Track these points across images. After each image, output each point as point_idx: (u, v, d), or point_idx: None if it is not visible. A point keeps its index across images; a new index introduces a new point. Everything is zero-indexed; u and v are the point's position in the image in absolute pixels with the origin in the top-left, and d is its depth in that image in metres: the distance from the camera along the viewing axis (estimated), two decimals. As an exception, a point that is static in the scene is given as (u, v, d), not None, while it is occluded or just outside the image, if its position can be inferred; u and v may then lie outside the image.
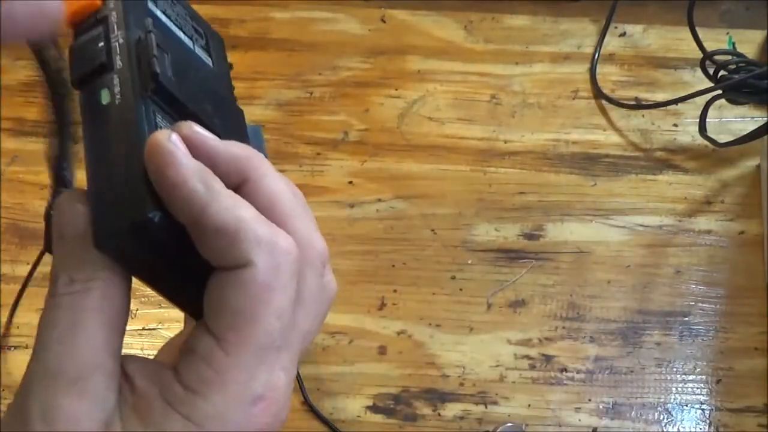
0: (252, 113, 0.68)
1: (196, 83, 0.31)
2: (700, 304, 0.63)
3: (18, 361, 0.61)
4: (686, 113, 0.69)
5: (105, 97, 0.28)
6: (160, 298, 0.65)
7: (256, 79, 0.69)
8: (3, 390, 0.60)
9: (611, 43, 0.72)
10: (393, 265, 0.64)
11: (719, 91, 0.64)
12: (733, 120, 0.69)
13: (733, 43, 0.68)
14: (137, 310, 0.62)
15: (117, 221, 0.26)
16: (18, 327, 0.62)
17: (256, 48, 0.72)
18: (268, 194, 0.27)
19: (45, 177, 0.66)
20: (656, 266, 0.64)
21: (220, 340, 0.25)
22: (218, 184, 0.26)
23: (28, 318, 0.62)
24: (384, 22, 0.73)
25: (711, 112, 0.65)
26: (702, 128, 0.66)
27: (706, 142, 0.66)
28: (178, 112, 0.29)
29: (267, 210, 0.27)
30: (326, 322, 0.62)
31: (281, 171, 0.76)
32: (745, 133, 0.63)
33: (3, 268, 0.64)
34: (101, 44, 0.29)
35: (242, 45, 0.71)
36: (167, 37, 0.31)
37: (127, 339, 0.67)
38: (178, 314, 0.65)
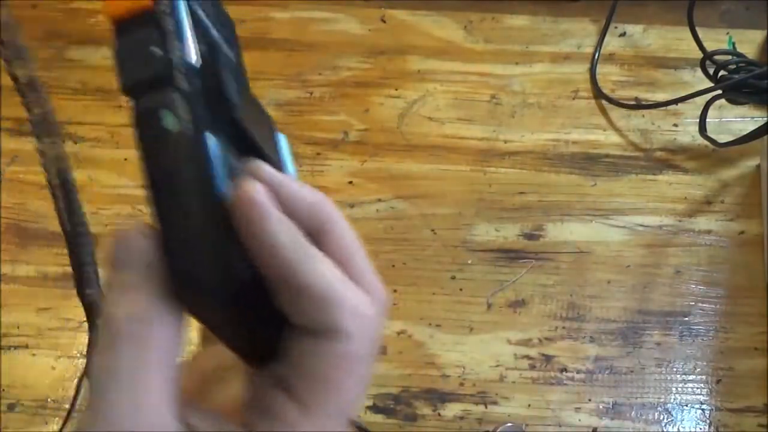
0: (252, 113, 0.67)
1: (248, 100, 0.28)
2: (700, 304, 0.63)
3: (17, 361, 0.61)
4: (686, 113, 0.69)
5: (170, 122, 0.25)
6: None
7: (256, 79, 0.69)
8: (3, 390, 0.60)
9: (611, 43, 0.72)
10: (393, 265, 0.64)
11: (719, 91, 0.64)
12: (733, 120, 0.69)
13: (733, 43, 0.68)
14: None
15: (198, 279, 0.24)
16: (18, 327, 0.62)
17: (256, 48, 0.72)
18: (344, 245, 0.26)
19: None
20: (656, 266, 0.64)
21: (300, 403, 0.24)
22: (309, 244, 0.25)
23: (28, 318, 0.62)
24: (384, 22, 0.73)
25: (711, 112, 0.65)
26: (702, 128, 0.66)
27: (706, 142, 0.66)
28: (237, 137, 0.26)
29: (344, 263, 0.25)
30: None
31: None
32: (745, 133, 0.63)
33: (3, 268, 0.64)
34: (158, 51, 0.25)
35: (242, 45, 0.70)
36: (214, 44, 0.28)
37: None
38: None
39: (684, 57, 0.71)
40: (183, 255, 0.24)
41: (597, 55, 0.72)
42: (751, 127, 0.64)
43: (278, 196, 0.25)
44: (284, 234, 0.24)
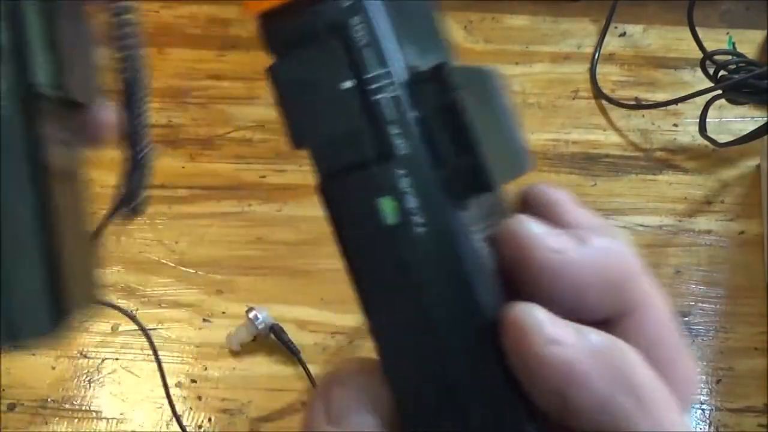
0: (252, 113, 0.67)
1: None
2: (700, 304, 0.63)
3: (18, 361, 0.61)
4: (686, 113, 0.69)
5: (390, 213, 0.16)
6: (160, 298, 0.65)
7: (257, 79, 0.69)
8: (3, 390, 0.60)
9: (611, 43, 0.72)
10: (393, 265, 0.64)
11: (719, 91, 0.64)
12: (733, 120, 0.69)
13: (733, 43, 0.69)
14: (137, 310, 0.62)
15: None
16: (18, 327, 0.62)
17: (256, 48, 0.71)
18: (654, 330, 0.18)
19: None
20: (656, 266, 0.64)
21: None
22: (650, 377, 0.17)
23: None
24: (384, 22, 0.73)
25: (711, 112, 0.65)
26: (702, 128, 0.66)
27: (706, 142, 0.66)
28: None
29: (649, 349, 0.18)
30: (327, 322, 0.62)
31: (281, 171, 0.75)
32: (745, 133, 0.63)
33: (3, 268, 0.63)
34: (346, 82, 0.16)
35: (242, 45, 0.70)
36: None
37: (126, 339, 0.67)
38: (178, 314, 0.64)
39: (684, 57, 0.71)
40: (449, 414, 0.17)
41: (597, 55, 0.72)
42: (751, 127, 0.64)
43: (558, 278, 0.17)
44: (606, 388, 0.16)
